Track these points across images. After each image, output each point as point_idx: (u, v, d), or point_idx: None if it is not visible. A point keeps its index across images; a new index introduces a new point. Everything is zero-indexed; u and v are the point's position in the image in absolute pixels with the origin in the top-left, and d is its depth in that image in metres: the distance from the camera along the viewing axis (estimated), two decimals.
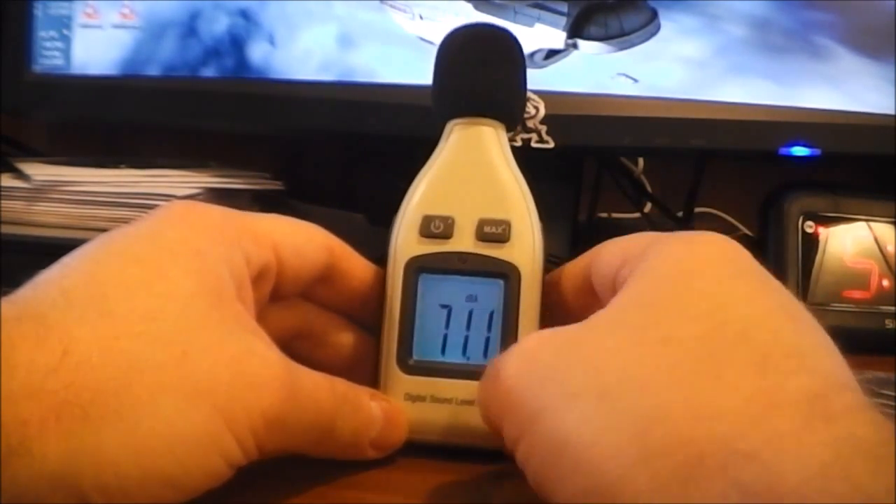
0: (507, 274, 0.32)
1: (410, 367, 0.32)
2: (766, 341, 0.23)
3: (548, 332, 0.26)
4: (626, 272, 0.28)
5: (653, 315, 0.24)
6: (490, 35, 0.34)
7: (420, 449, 0.31)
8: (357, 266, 0.33)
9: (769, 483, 0.19)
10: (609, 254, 0.30)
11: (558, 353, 0.25)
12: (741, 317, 0.24)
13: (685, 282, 0.25)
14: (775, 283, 0.26)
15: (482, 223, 0.32)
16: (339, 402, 0.28)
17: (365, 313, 0.34)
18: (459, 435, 0.31)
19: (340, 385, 0.29)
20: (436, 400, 0.32)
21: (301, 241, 0.32)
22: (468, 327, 0.32)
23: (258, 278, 0.30)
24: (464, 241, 0.32)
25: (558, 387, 0.24)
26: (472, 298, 0.32)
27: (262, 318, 0.30)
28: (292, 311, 0.33)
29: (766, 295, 0.25)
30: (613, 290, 0.29)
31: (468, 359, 0.32)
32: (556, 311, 0.33)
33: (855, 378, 0.23)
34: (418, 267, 0.32)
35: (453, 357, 0.32)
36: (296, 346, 0.33)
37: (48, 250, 0.26)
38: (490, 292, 0.32)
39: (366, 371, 0.33)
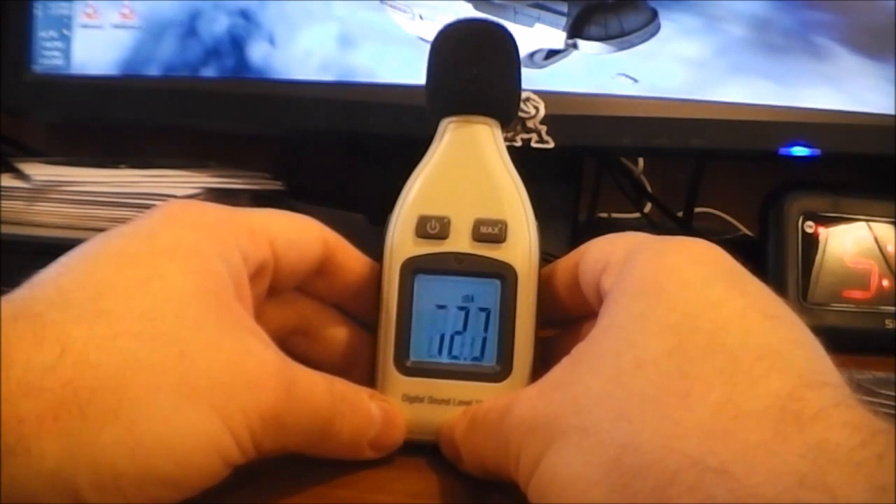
0: (503, 274, 0.32)
1: (408, 368, 0.32)
2: (737, 345, 0.23)
3: (539, 382, 0.27)
4: (606, 281, 0.28)
5: (626, 338, 0.25)
6: (484, 31, 0.34)
7: (418, 449, 0.31)
8: (352, 258, 0.33)
9: (742, 497, 0.19)
10: (592, 257, 0.30)
11: (550, 397, 0.25)
12: (711, 323, 0.24)
13: (653, 295, 0.25)
14: (751, 282, 0.26)
15: (478, 223, 0.32)
16: (338, 401, 0.28)
17: (360, 306, 0.34)
18: None
19: (339, 385, 0.29)
20: (433, 401, 0.32)
21: (296, 234, 0.32)
22: (465, 328, 0.32)
23: (255, 275, 0.30)
24: (460, 242, 0.32)
25: (551, 430, 0.24)
26: (468, 299, 0.32)
27: (259, 314, 0.30)
28: (289, 306, 0.33)
29: (739, 295, 0.25)
30: (597, 293, 0.29)
31: (465, 360, 0.32)
32: (549, 308, 0.33)
33: (836, 371, 0.23)
34: (415, 268, 0.32)
35: (450, 358, 0.32)
36: (293, 343, 0.33)
37: (48, 250, 0.26)
38: (487, 292, 0.32)
39: (362, 367, 0.33)
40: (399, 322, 0.32)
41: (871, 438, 0.19)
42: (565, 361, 0.26)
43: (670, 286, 0.25)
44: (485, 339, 0.32)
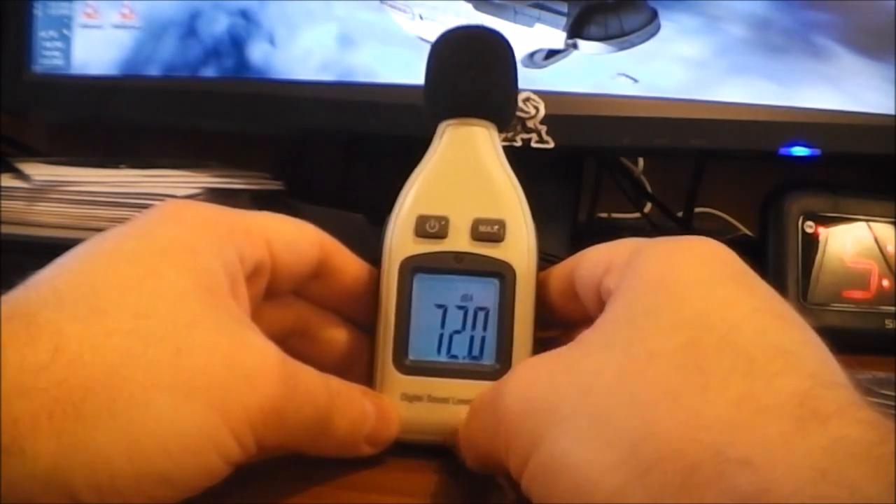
0: (502, 273, 0.32)
1: (407, 367, 0.32)
2: (750, 343, 0.23)
3: (540, 358, 0.27)
4: (610, 282, 0.28)
5: (638, 330, 0.24)
6: (481, 37, 0.34)
7: (418, 449, 0.31)
8: (349, 263, 0.33)
9: (764, 489, 0.19)
10: (591, 261, 0.30)
11: (552, 380, 0.25)
12: (725, 321, 0.24)
13: (667, 291, 0.25)
14: (760, 283, 0.26)
15: (477, 223, 0.32)
16: (335, 396, 0.28)
17: (357, 311, 0.34)
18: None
19: (334, 381, 0.29)
20: (432, 399, 0.32)
21: (293, 237, 0.32)
22: (464, 327, 0.32)
23: (252, 276, 0.30)
24: (459, 241, 0.32)
25: (554, 412, 0.24)
26: (467, 298, 0.32)
27: (256, 316, 0.29)
28: (286, 308, 0.33)
29: (749, 296, 0.25)
30: (597, 297, 0.29)
31: (464, 358, 0.32)
32: (543, 313, 0.33)
33: (845, 373, 0.23)
34: (413, 267, 0.32)
35: (449, 357, 0.32)
36: (290, 345, 0.33)
37: (48, 250, 0.26)
38: (485, 291, 0.32)
39: (360, 370, 0.33)
40: (398, 321, 0.32)
41: (888, 436, 0.19)
42: (568, 347, 0.26)
43: (682, 283, 0.25)
44: (483, 338, 0.32)
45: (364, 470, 0.30)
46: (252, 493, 0.28)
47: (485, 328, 0.32)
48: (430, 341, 0.32)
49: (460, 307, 0.32)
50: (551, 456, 0.23)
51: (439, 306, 0.32)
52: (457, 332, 0.32)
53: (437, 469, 0.31)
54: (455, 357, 0.32)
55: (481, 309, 0.32)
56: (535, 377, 0.26)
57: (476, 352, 0.32)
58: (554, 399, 0.24)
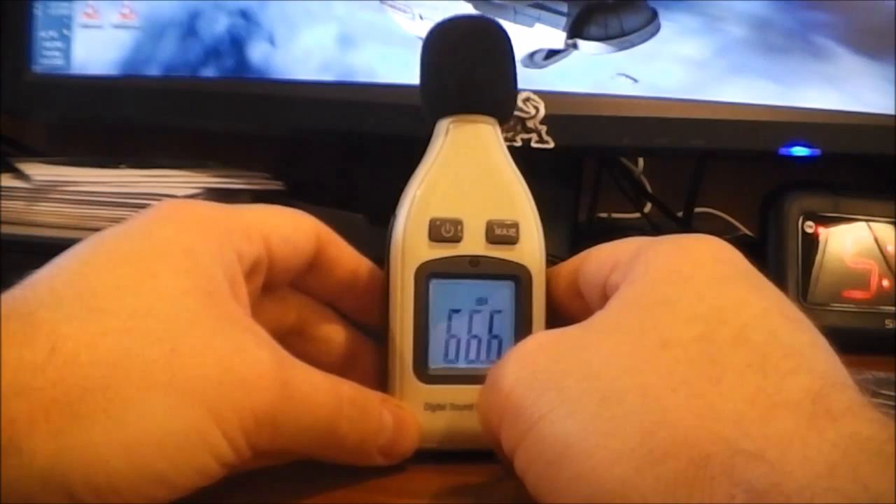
0: (517, 275, 0.32)
1: (428, 376, 0.31)
2: (763, 342, 0.23)
3: (545, 335, 0.26)
4: (617, 277, 0.28)
5: (650, 318, 0.24)
6: (481, 28, 0.33)
7: (440, 457, 0.30)
8: (345, 255, 0.33)
9: (776, 482, 0.19)
10: (598, 259, 0.30)
11: (557, 357, 0.25)
12: (737, 318, 0.24)
13: (680, 284, 0.25)
14: (768, 284, 0.26)
15: (491, 225, 0.32)
16: (344, 404, 0.27)
17: (352, 303, 0.34)
18: (482, 441, 0.29)
19: (346, 388, 0.28)
20: (455, 408, 0.31)
21: (289, 229, 0.31)
22: (480, 331, 0.32)
23: (250, 272, 0.29)
24: (474, 245, 0.32)
25: (557, 392, 0.23)
26: (482, 301, 0.32)
27: (255, 311, 0.29)
28: (284, 303, 0.33)
29: (760, 296, 0.25)
30: (603, 294, 0.29)
31: (483, 363, 0.31)
32: (546, 313, 0.33)
33: (851, 377, 0.23)
34: (429, 272, 0.31)
35: (468, 362, 0.31)
36: (290, 342, 0.33)
37: (48, 250, 0.26)
38: (501, 294, 0.32)
39: (361, 369, 0.33)
40: (416, 329, 0.31)
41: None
42: (576, 326, 0.26)
43: (695, 277, 0.25)
44: (501, 342, 0.32)
45: (380, 473, 0.29)
46: (265, 494, 0.27)
47: (501, 331, 0.32)
48: (447, 348, 0.31)
49: (476, 311, 0.31)
50: (553, 437, 0.23)
51: (456, 311, 0.31)
52: (475, 336, 0.31)
53: (450, 472, 0.30)
54: (473, 362, 0.31)
55: (497, 312, 0.32)
56: (540, 351, 0.25)
57: (494, 356, 0.31)
58: (558, 376, 0.24)
